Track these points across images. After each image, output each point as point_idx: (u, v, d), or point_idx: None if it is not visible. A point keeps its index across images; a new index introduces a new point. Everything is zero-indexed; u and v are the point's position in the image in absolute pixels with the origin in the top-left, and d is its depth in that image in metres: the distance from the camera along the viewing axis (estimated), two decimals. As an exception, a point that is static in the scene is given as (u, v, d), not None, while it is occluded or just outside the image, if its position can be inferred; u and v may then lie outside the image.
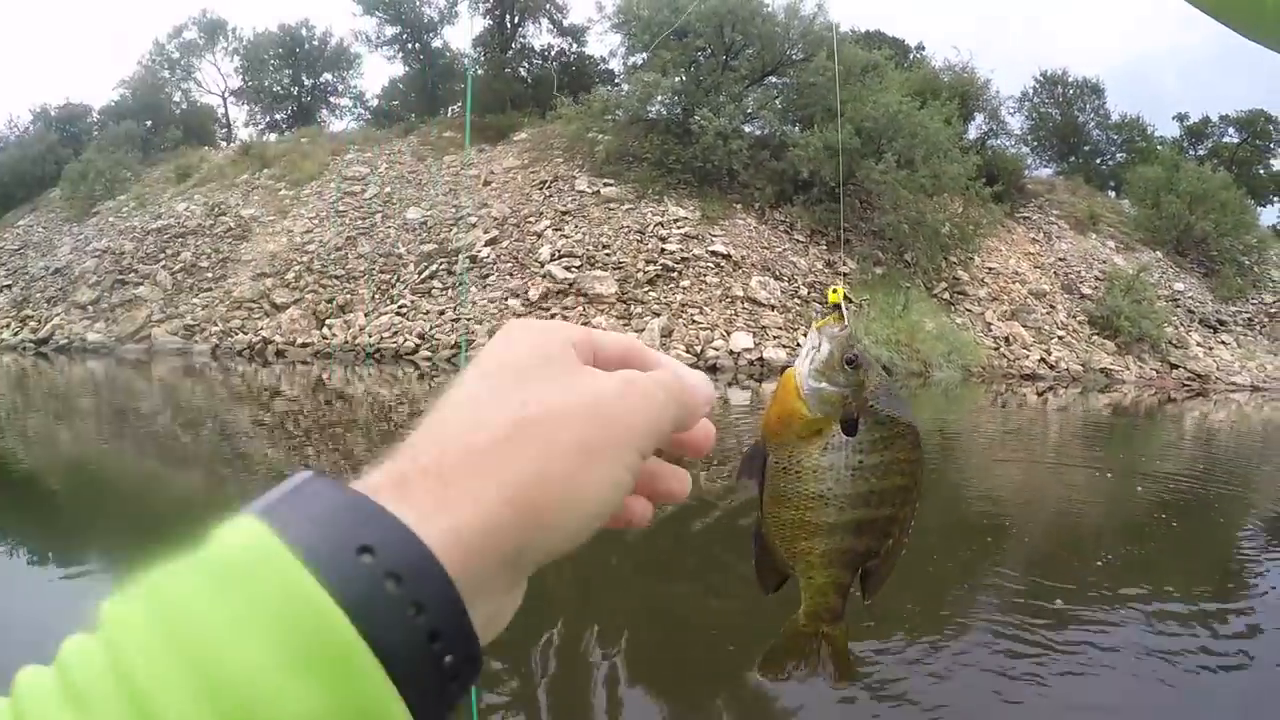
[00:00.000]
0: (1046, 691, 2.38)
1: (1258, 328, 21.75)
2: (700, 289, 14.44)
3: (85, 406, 9.49)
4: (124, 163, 22.47)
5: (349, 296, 16.79)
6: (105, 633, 0.21)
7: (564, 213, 16.21)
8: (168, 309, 17.74)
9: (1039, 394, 14.19)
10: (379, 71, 79.42)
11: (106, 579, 3.38)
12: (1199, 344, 19.73)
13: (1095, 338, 17.90)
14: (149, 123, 26.50)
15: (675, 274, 14.66)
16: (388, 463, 0.27)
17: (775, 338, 14.10)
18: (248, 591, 0.21)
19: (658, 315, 14.10)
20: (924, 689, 2.34)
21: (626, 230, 15.44)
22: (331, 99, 27.73)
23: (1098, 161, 27.24)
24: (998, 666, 2.51)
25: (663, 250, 14.92)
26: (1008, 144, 23.67)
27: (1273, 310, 22.59)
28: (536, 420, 0.28)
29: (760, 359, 13.72)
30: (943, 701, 2.29)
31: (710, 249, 14.97)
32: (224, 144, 26.66)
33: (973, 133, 20.73)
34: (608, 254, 15.04)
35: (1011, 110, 25.09)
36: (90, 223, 20.66)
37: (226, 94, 29.07)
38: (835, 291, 0.58)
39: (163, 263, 18.64)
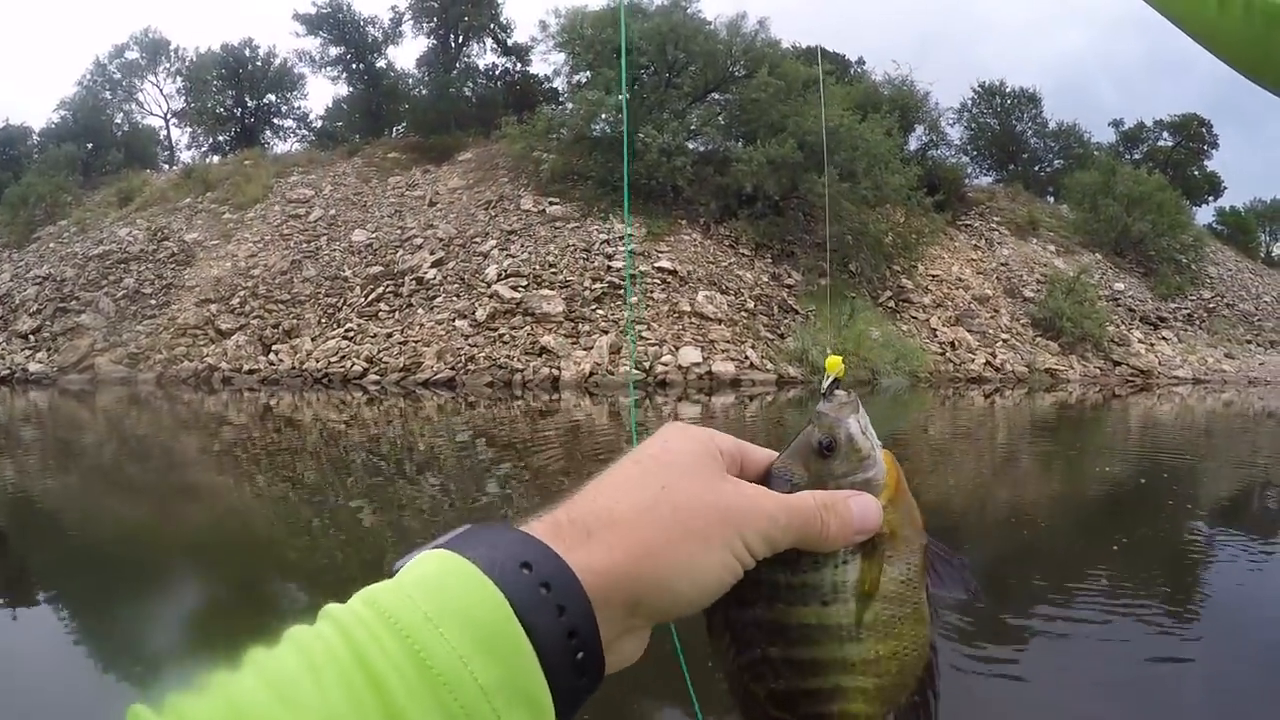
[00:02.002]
0: (1001, 689, 2.40)
1: (1197, 323, 22.61)
2: (647, 305, 14.49)
3: (27, 439, 9.14)
4: (65, 186, 21.83)
5: (295, 321, 16.47)
6: (336, 625, 0.28)
7: (510, 232, 16.15)
8: (111, 337, 17.21)
9: (986, 396, 14.52)
10: (323, 92, 78.31)
11: (51, 613, 3.34)
12: (1140, 341, 20.42)
13: (1039, 339, 18.40)
14: (90, 145, 25.79)
15: (622, 291, 14.68)
16: (546, 515, 0.34)
17: (723, 351, 14.19)
18: (444, 593, 0.29)
19: (605, 333, 14.10)
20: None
21: (573, 248, 15.45)
22: (275, 120, 27.31)
23: (1036, 169, 28.13)
24: (952, 665, 2.51)
25: (609, 268, 14.95)
26: (948, 154, 24.36)
27: (1211, 305, 23.52)
28: (672, 504, 0.35)
29: (709, 373, 13.79)
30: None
31: (656, 265, 15.05)
32: (166, 166, 26.07)
33: (913, 144, 21.27)
34: (554, 273, 15.01)
35: (951, 121, 25.84)
36: (31, 249, 20.00)
37: (169, 115, 28.44)
38: (830, 360, 0.47)
39: (105, 289, 18.10)
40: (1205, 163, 32.91)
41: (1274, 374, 19.91)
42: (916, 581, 0.41)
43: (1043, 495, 6.00)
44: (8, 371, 16.30)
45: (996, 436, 10.01)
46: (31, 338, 17.33)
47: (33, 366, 16.54)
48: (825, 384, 0.44)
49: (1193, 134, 31.97)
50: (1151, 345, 20.67)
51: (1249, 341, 22.75)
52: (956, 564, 0.43)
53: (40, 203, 20.71)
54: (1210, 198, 33.43)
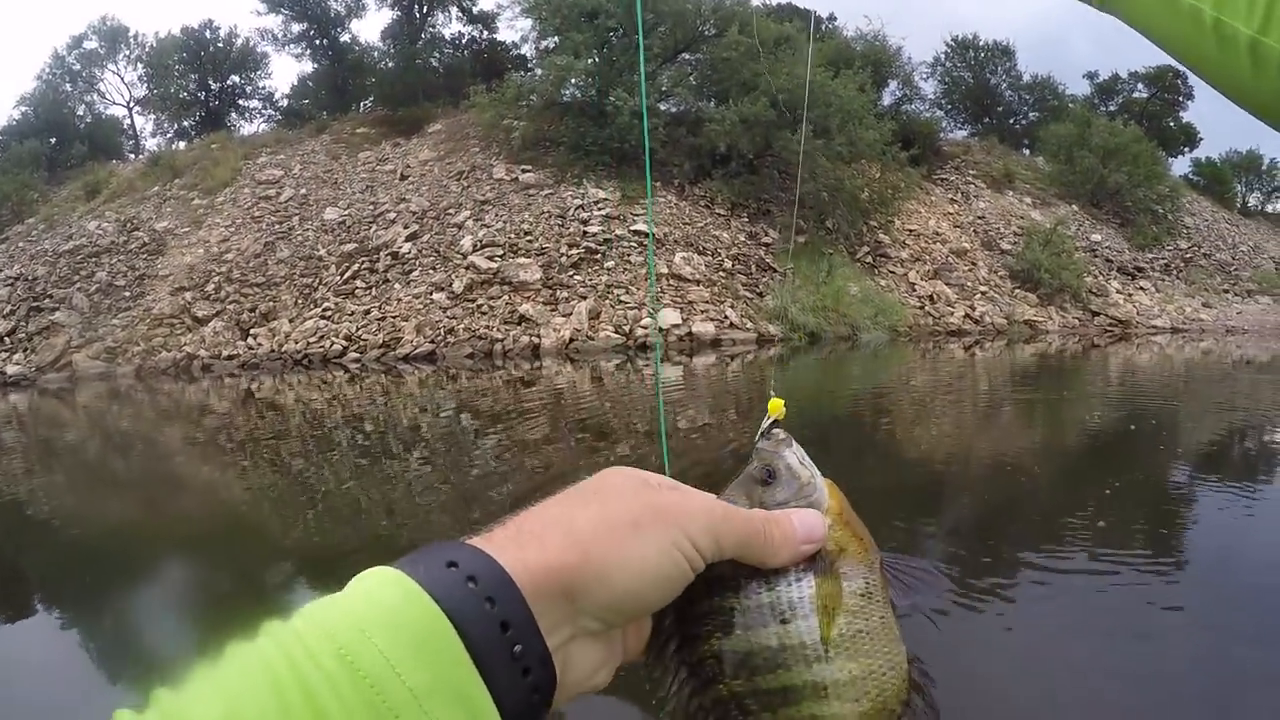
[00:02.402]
0: (992, 641, 2.42)
1: (1174, 272, 22.82)
2: (625, 269, 14.44)
3: (8, 442, 9.02)
4: (30, 184, 21.34)
5: (272, 304, 16.29)
6: (273, 639, 0.28)
7: (483, 202, 15.98)
8: (87, 333, 16.94)
9: (966, 349, 14.63)
10: (287, 70, 76.41)
11: (44, 612, 3.31)
12: (1118, 291, 20.61)
13: (1017, 291, 18.53)
14: (53, 140, 25.19)
15: (599, 256, 14.61)
16: (483, 531, 0.35)
17: (703, 312, 14.19)
18: (372, 600, 0.29)
19: (584, 298, 14.05)
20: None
21: (547, 215, 15.32)
22: (240, 101, 26.72)
23: (1011, 121, 28.06)
24: (944, 620, 2.50)
25: (585, 233, 14.85)
26: (922, 108, 24.26)
27: (1188, 255, 23.73)
28: (606, 507, 0.36)
29: (689, 334, 13.80)
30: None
31: (632, 228, 14.97)
32: (132, 156, 25.49)
33: (887, 99, 21.15)
34: (530, 240, 14.90)
35: (924, 76, 25.68)
36: (-1, 250, 19.58)
37: (132, 104, 27.77)
38: (773, 402, 0.47)
39: (78, 285, 17.77)
40: (1180, 114, 32.97)
41: (1251, 323, 20.16)
42: (879, 596, 0.40)
43: (1026, 444, 6.03)
44: None
45: (979, 387, 10.10)
46: (7, 340, 17.02)
47: (10, 369, 16.26)
48: (765, 424, 0.45)
49: (1167, 85, 31.96)
50: (1129, 295, 20.86)
51: (1226, 291, 23.00)
52: (919, 569, 0.42)
53: (6, 202, 20.25)
54: (1186, 149, 33.54)
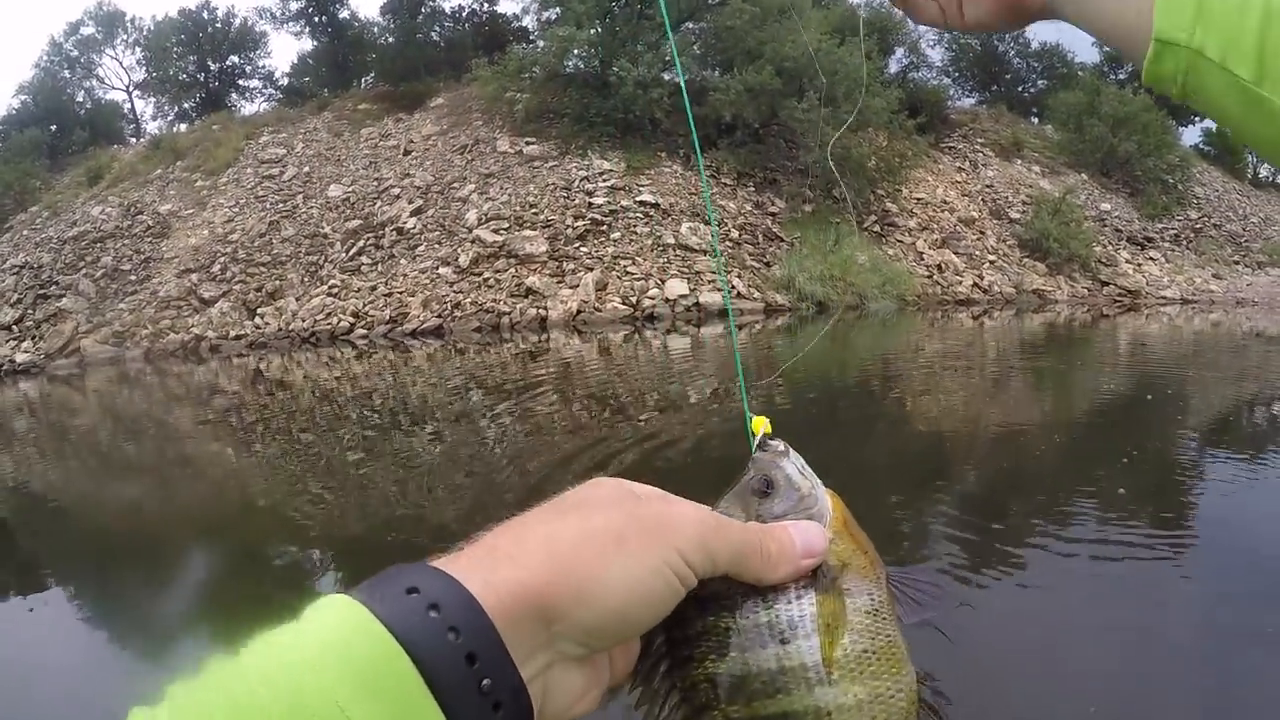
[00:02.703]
0: (1003, 606, 2.43)
1: (1184, 243, 22.57)
2: (631, 240, 14.36)
3: (21, 429, 9.07)
4: (32, 172, 21.35)
5: (278, 283, 16.29)
6: (216, 679, 0.25)
7: (487, 175, 15.88)
8: (95, 318, 17.00)
9: (974, 318, 14.54)
10: (287, 48, 76.65)
11: (62, 597, 3.31)
12: (1128, 261, 20.41)
13: (1026, 260, 18.37)
14: (53, 127, 25.16)
15: (605, 227, 14.53)
16: (455, 550, 0.32)
17: (710, 282, 14.12)
18: (325, 633, 0.26)
19: (590, 270, 14.00)
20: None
21: (552, 187, 15.22)
22: (240, 82, 26.54)
23: (1019, 89, 27.67)
24: (960, 584, 2.51)
25: (590, 204, 14.76)
26: (929, 76, 23.91)
27: (1198, 226, 23.45)
28: (588, 520, 0.32)
29: (696, 304, 13.75)
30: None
31: (638, 199, 14.86)
32: (133, 140, 25.42)
33: (893, 67, 20.87)
34: (535, 213, 14.82)
35: (931, 43, 25.29)
36: (4, 239, 19.63)
37: (131, 88, 27.65)
38: (756, 420, 0.44)
39: (84, 271, 17.81)
40: (1191, 82, 32.40)
41: (1261, 294, 19.93)
42: (885, 613, 0.37)
43: (1036, 414, 6.01)
44: None
45: (988, 357, 10.06)
46: (15, 328, 17.09)
47: (19, 357, 16.34)
48: (755, 443, 0.42)
49: (1179, 53, 31.42)
50: (1139, 265, 20.66)
51: (1236, 262, 22.75)
52: (926, 582, 0.39)
53: (9, 191, 20.24)
54: (1196, 118, 32.96)
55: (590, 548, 0.31)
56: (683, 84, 2.73)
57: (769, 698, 0.35)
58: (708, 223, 15.11)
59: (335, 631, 0.26)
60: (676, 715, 0.37)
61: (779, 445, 0.41)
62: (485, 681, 0.27)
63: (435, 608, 0.27)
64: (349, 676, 0.25)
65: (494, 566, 0.30)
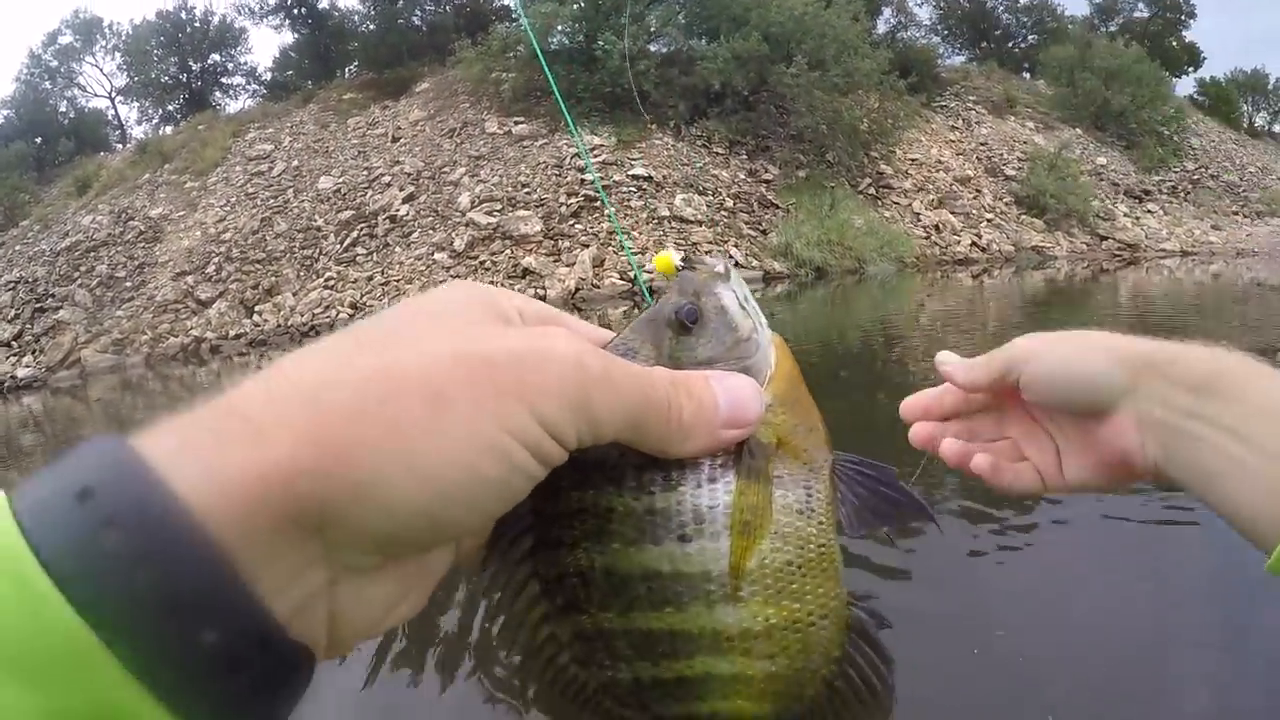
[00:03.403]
0: (1018, 560, 2.40)
1: (1182, 195, 22.42)
2: (626, 214, 14.26)
3: (27, 444, 9.07)
4: (20, 186, 21.28)
5: (274, 279, 16.24)
6: None
7: (478, 158, 15.78)
8: (93, 327, 16.96)
9: (974, 277, 14.47)
10: (268, 43, 75.98)
11: None
12: (1126, 215, 20.29)
13: (1024, 217, 18.26)
14: (38, 139, 25.05)
15: (598, 203, 14.43)
16: (202, 402, 0.21)
17: (706, 252, 14.00)
18: None
19: (586, 246, 13.92)
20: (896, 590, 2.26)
21: (544, 166, 15.11)
22: (223, 80, 26.41)
23: (1010, 45, 27.41)
24: (967, 547, 2.50)
25: (583, 181, 14.65)
26: (918, 35, 23.73)
27: (1195, 177, 23.29)
28: (397, 343, 0.22)
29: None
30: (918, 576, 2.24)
31: (630, 173, 14.76)
32: (120, 146, 25.27)
33: (881, 27, 20.69)
34: (528, 192, 14.73)
35: (919, 2, 25.06)
36: (-3, 256, 19.57)
37: (114, 94, 27.46)
38: (661, 260, 0.32)
39: (79, 281, 17.76)
40: (1183, 33, 32.14)
41: (1261, 244, 19.83)
42: (822, 516, 0.28)
43: None
44: None
45: (989, 316, 10.01)
46: (14, 344, 17.05)
47: (20, 372, 16.30)
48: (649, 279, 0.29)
49: (1169, 4, 31.12)
50: (1137, 219, 20.54)
51: (1235, 213, 22.61)
52: (884, 482, 0.29)
53: None
54: (1190, 69, 32.79)
55: (386, 410, 0.20)
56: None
57: (654, 609, 0.27)
58: (701, 192, 15.01)
59: None
60: (533, 612, 0.27)
61: (717, 264, 0.30)
62: (207, 636, 0.17)
63: (114, 527, 0.17)
64: None
65: (227, 444, 0.19)
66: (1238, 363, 0.45)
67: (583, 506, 0.27)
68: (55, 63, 27.37)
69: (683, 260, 0.31)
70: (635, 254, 13.90)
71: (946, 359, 0.59)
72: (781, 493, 0.28)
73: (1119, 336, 0.50)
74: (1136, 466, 0.49)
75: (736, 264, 13.98)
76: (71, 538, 0.17)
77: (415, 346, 0.22)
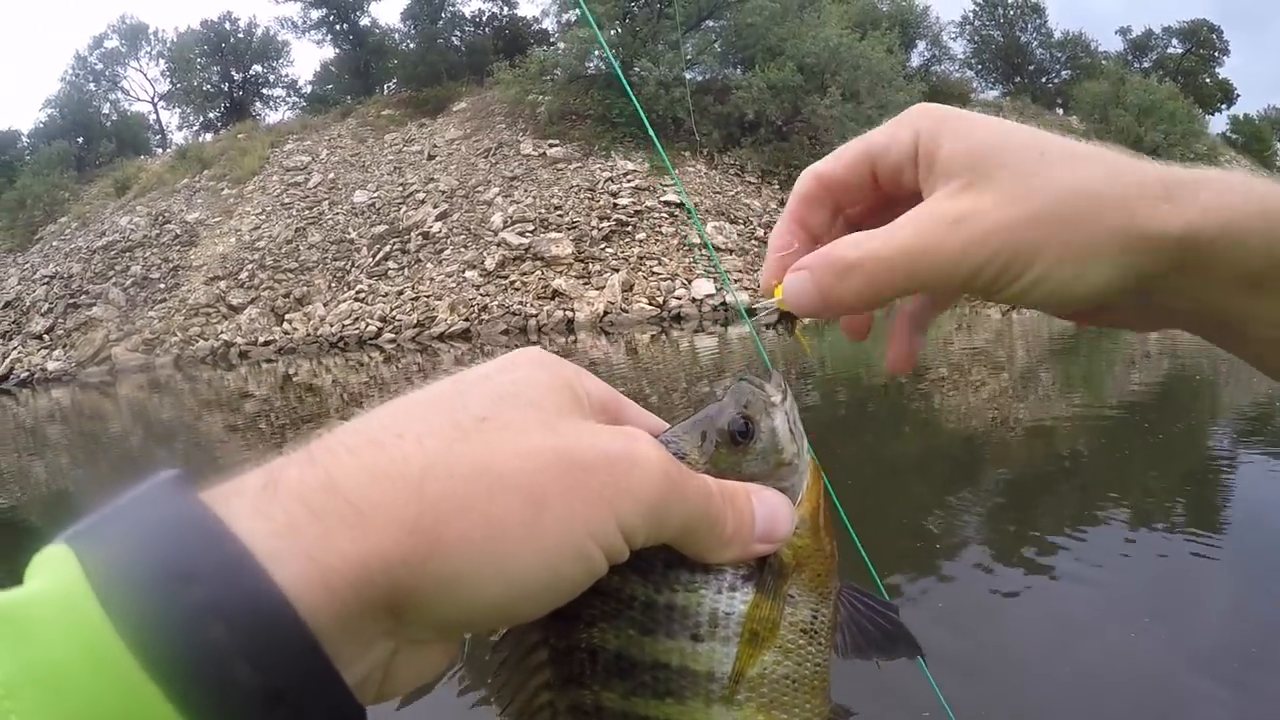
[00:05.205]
0: (1039, 598, 2.42)
1: (1213, 233, 22.18)
2: (656, 240, 14.35)
3: (54, 437, 9.24)
4: (61, 184, 21.80)
5: (306, 288, 16.48)
6: None
7: (512, 178, 15.97)
8: (125, 326, 17.32)
9: (1003, 314, 14.35)
10: (309, 57, 77.35)
11: None
12: (1156, 252, 20.11)
13: (1053, 254, 18.15)
14: (80, 139, 25.70)
15: (630, 228, 14.54)
16: (281, 458, 0.21)
17: (736, 281, 14.07)
18: (30, 637, 0.16)
19: (616, 271, 14.01)
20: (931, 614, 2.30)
21: (577, 189, 15.26)
22: (264, 91, 27.15)
23: (1043, 80, 27.38)
24: (988, 586, 2.50)
25: (615, 205, 14.78)
26: (952, 69, 23.74)
27: (1227, 215, 23.03)
28: (491, 433, 0.22)
29: (724, 304, 13.71)
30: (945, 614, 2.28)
31: (663, 199, 14.86)
32: (160, 150, 25.88)
33: (916, 60, 20.71)
34: (560, 215, 14.87)
35: (953, 35, 25.11)
36: (34, 250, 20.06)
37: (156, 99, 28.16)
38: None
39: (113, 280, 18.16)
40: (1216, 70, 31.90)
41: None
42: (823, 637, 0.30)
43: (1065, 409, 5.90)
44: (27, 374, 16.44)
45: (1016, 351, 9.94)
46: (46, 337, 17.45)
47: (51, 365, 16.68)
48: (764, 315, 0.32)
49: (1203, 40, 30.93)
50: (1168, 257, 20.37)
51: (1268, 252, 22.36)
52: (883, 614, 0.31)
53: (38, 203, 20.67)
54: (1223, 106, 32.52)
55: (490, 509, 0.20)
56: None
57: (656, 698, 0.28)
58: (733, 220, 15.06)
59: (46, 639, 0.16)
60: (536, 677, 0.29)
61: (776, 384, 0.31)
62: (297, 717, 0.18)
63: (219, 619, 0.17)
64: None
65: (331, 529, 0.19)
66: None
67: (608, 589, 0.27)
68: (100, 66, 28.16)
69: (773, 372, 0.32)
70: (665, 280, 13.97)
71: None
72: (791, 610, 0.30)
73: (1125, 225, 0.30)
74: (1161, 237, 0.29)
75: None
76: (172, 625, 0.16)
77: (515, 441, 0.22)
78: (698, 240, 14.48)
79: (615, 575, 0.26)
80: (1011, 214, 0.28)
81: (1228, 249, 0.28)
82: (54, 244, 19.82)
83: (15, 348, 17.36)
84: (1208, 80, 31.05)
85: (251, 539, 0.18)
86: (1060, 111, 25.97)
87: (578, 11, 16.84)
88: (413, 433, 0.21)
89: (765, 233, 15.22)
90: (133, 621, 0.16)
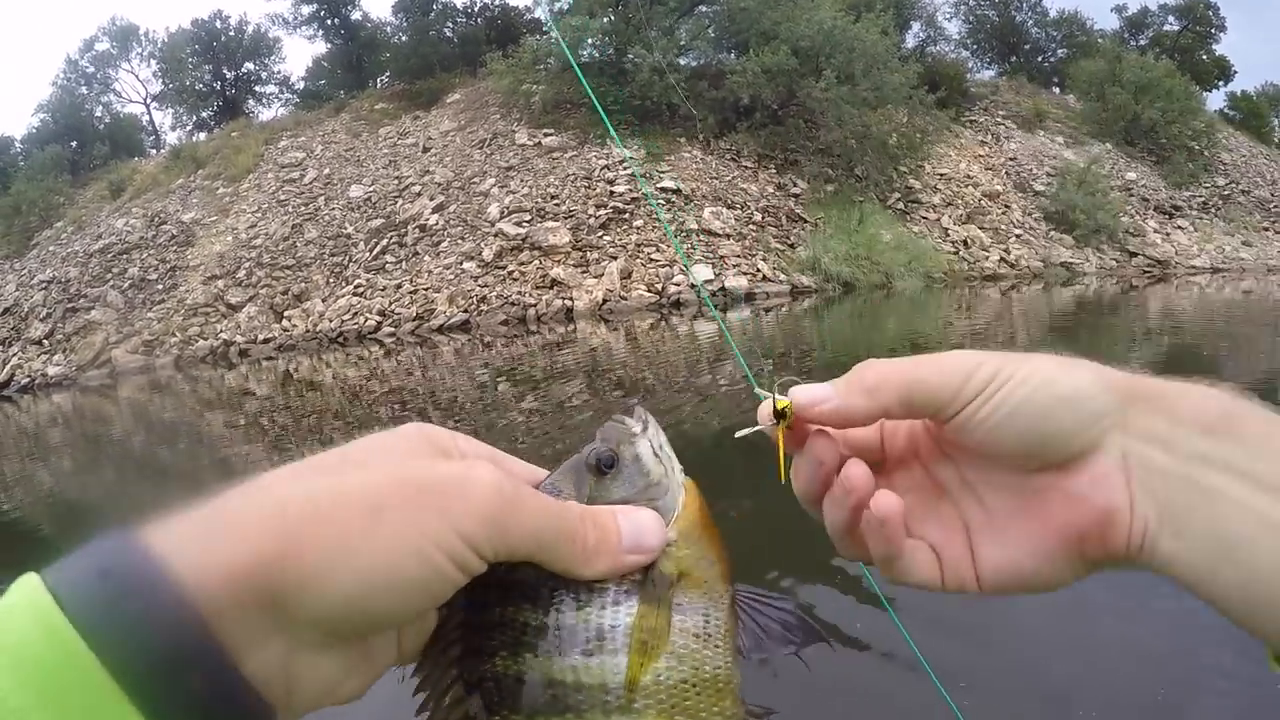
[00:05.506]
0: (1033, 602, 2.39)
1: (1213, 210, 22.06)
2: (654, 227, 14.30)
3: (56, 442, 9.23)
4: (55, 188, 21.72)
5: (304, 285, 16.45)
6: None
7: (508, 169, 15.91)
8: (124, 328, 17.28)
9: (1003, 293, 14.33)
10: (301, 53, 76.90)
11: None
12: (1156, 231, 20.01)
13: (1053, 233, 18.08)
14: (74, 143, 25.59)
15: (627, 215, 14.49)
16: (194, 508, 0.27)
17: (734, 266, 14.05)
18: (5, 628, 0.23)
19: (614, 259, 13.98)
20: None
21: (573, 178, 15.20)
22: (257, 88, 26.97)
23: (1039, 59, 27.23)
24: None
25: (611, 193, 14.73)
26: (947, 49, 23.63)
27: (1226, 193, 22.90)
28: (349, 468, 0.28)
29: (722, 288, 13.69)
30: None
31: (659, 186, 14.80)
32: (154, 151, 25.79)
33: (910, 41, 20.64)
34: (557, 204, 14.82)
35: (948, 15, 24.98)
36: (31, 255, 20.02)
37: (149, 100, 28.04)
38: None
39: (111, 282, 18.11)
40: (1213, 47, 31.70)
41: (1293, 261, 19.46)
42: (719, 641, 0.32)
43: None
44: (28, 379, 16.41)
45: (1017, 333, 9.93)
46: (45, 342, 17.41)
47: (51, 370, 16.65)
48: (764, 414, 0.35)
49: (1199, 17, 30.73)
50: (1167, 235, 20.25)
51: (1266, 229, 22.22)
52: (783, 612, 0.33)
53: (33, 209, 20.62)
54: (1220, 83, 32.33)
55: (336, 516, 0.26)
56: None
57: (557, 714, 0.30)
58: (730, 205, 15.01)
59: (16, 626, 0.23)
60: (454, 711, 0.31)
61: (640, 417, 0.34)
62: (193, 681, 0.23)
63: (130, 597, 0.23)
64: (27, 682, 0.22)
65: (214, 537, 0.25)
66: (1250, 406, 0.33)
67: (504, 620, 0.31)
68: (92, 69, 28.01)
69: (636, 404, 0.35)
70: (663, 266, 13.94)
71: (809, 393, 0.37)
72: (680, 618, 0.31)
73: (1101, 365, 0.35)
74: (1115, 539, 0.33)
75: (764, 277, 13.98)
76: (95, 604, 0.23)
77: (362, 471, 0.28)
78: (695, 226, 14.45)
79: (510, 606, 0.30)
80: None
81: None
82: (50, 249, 19.78)
83: (15, 354, 17.35)
84: (1204, 57, 30.85)
85: (158, 548, 0.24)
86: (1057, 90, 25.87)
87: (569, 0, 16.76)
88: (288, 476, 0.28)
89: (762, 217, 15.17)
90: (71, 603, 0.23)
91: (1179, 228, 20.82)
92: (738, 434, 0.37)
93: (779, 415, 0.35)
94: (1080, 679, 1.84)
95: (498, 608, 0.31)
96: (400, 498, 0.27)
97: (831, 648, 0.33)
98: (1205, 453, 0.31)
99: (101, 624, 0.23)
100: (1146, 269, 18.42)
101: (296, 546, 0.25)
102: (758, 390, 0.36)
